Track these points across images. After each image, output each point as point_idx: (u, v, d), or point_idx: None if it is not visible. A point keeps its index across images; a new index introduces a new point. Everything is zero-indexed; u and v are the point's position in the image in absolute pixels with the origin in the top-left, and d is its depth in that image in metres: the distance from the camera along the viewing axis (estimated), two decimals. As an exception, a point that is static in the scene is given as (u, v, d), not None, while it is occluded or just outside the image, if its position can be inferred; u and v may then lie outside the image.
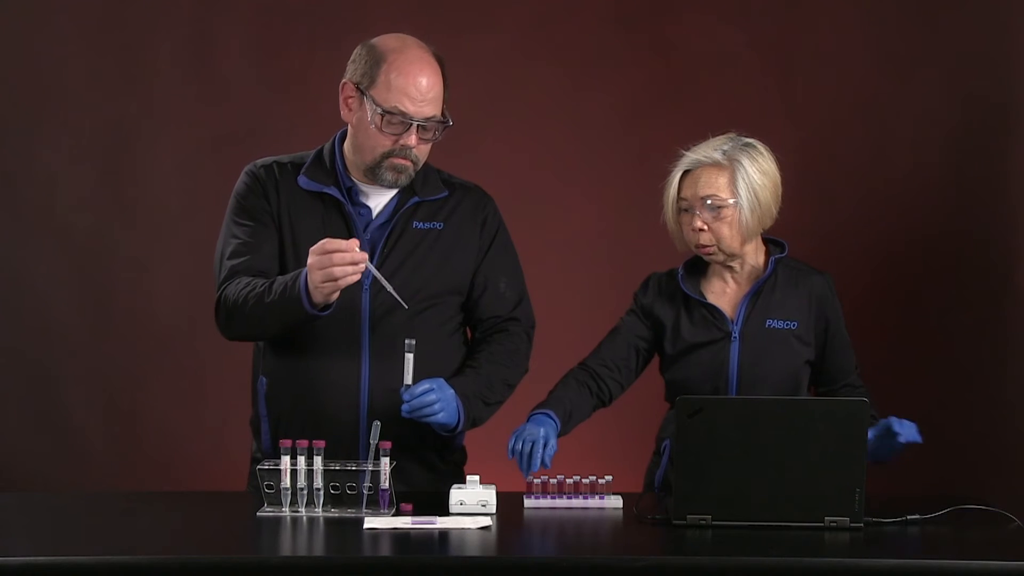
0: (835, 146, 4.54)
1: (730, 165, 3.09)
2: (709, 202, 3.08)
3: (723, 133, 3.16)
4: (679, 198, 3.11)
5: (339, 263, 2.82)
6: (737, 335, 3.13)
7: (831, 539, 2.63)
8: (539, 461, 2.90)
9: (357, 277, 2.85)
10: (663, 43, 4.60)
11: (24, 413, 4.68)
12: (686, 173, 3.11)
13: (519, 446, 2.92)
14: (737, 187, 3.09)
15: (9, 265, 4.67)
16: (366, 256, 2.85)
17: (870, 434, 2.85)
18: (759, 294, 3.15)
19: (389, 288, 2.91)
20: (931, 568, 2.47)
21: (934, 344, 4.48)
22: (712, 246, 3.10)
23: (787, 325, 3.13)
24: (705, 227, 3.08)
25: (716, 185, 3.08)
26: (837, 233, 4.52)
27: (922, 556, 2.53)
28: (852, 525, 2.68)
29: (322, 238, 3.05)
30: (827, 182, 4.53)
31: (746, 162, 3.10)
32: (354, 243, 2.84)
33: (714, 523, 2.69)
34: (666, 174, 3.18)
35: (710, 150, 3.11)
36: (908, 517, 2.75)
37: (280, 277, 2.98)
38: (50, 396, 4.68)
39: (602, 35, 4.61)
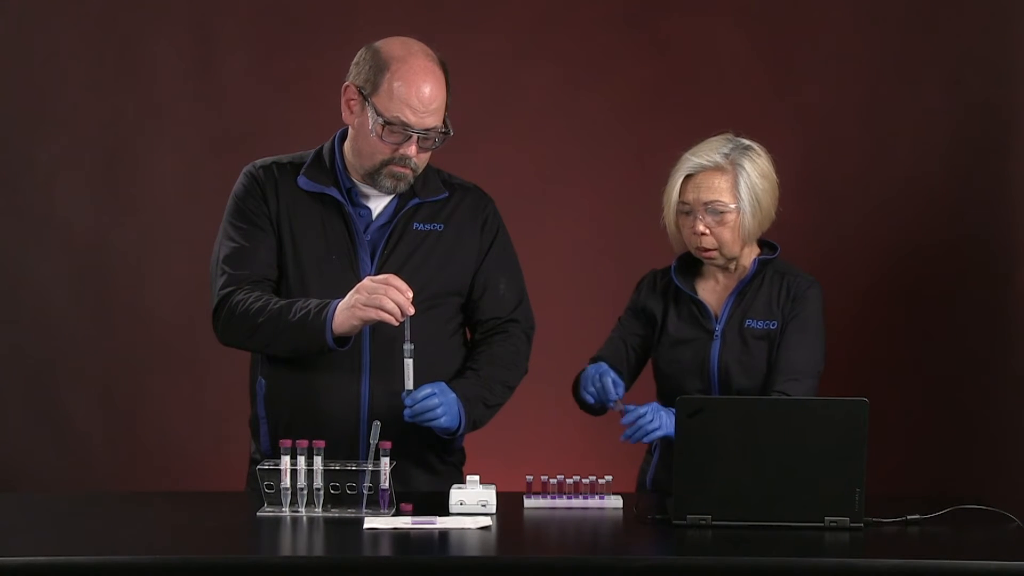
0: (835, 146, 4.54)
1: (732, 169, 3.09)
2: (712, 207, 3.07)
3: (719, 133, 3.16)
4: (680, 201, 3.11)
5: (393, 297, 2.86)
6: (719, 333, 3.13)
7: (831, 539, 2.63)
8: (612, 390, 2.97)
9: (394, 320, 2.88)
10: (663, 43, 4.60)
11: (24, 413, 4.67)
12: (688, 177, 3.11)
13: (592, 387, 2.99)
14: (739, 191, 3.08)
15: (9, 265, 4.67)
16: (412, 311, 2.88)
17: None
18: (743, 294, 3.15)
19: (408, 355, 2.92)
20: (931, 568, 2.47)
21: (935, 344, 4.48)
22: (714, 249, 3.10)
23: (766, 325, 3.13)
24: (707, 231, 3.08)
25: (719, 189, 3.08)
26: (837, 233, 4.52)
27: (922, 556, 2.52)
28: (852, 525, 2.67)
29: (322, 239, 3.07)
30: (827, 182, 4.52)
31: (748, 166, 3.10)
32: (411, 295, 2.88)
33: (714, 523, 2.69)
34: (666, 174, 3.18)
35: (711, 153, 3.10)
36: (908, 517, 2.75)
37: (301, 300, 2.98)
38: (50, 396, 4.68)
39: (602, 35, 4.61)
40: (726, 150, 3.10)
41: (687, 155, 3.13)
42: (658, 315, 3.20)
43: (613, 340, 3.25)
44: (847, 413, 2.68)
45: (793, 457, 2.68)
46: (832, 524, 2.68)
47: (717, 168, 3.09)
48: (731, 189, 3.09)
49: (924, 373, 4.48)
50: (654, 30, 4.60)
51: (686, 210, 3.11)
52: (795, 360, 3.11)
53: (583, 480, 2.88)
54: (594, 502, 2.86)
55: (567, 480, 2.88)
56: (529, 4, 4.63)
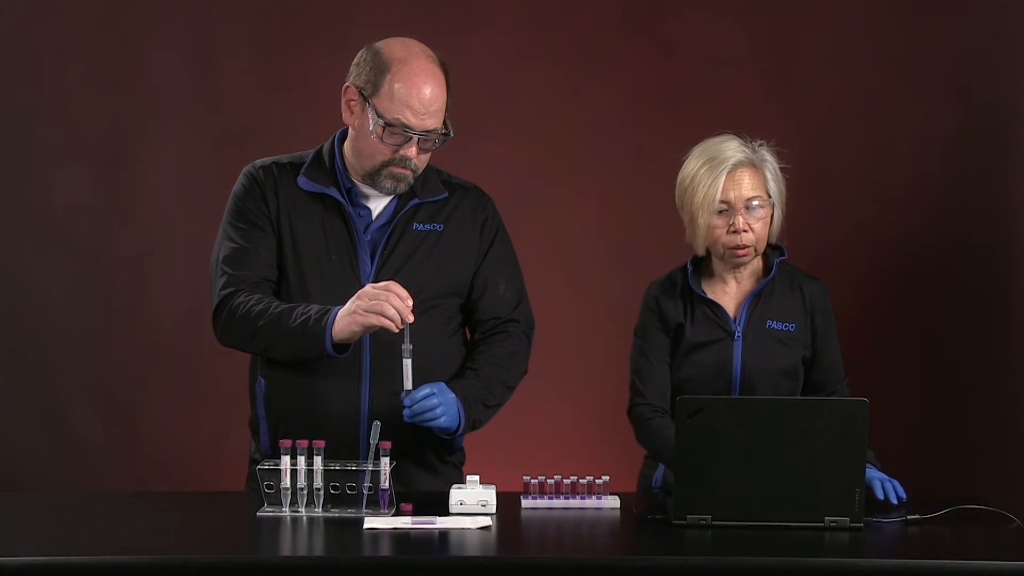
0: (836, 146, 4.54)
1: (760, 163, 3.10)
2: (752, 203, 3.07)
3: (720, 133, 3.15)
4: (720, 201, 3.07)
5: (394, 304, 2.85)
6: (740, 335, 3.13)
7: (831, 539, 2.63)
8: None
9: (394, 327, 2.87)
10: (663, 43, 4.59)
11: (24, 413, 4.67)
12: (727, 174, 3.08)
13: None
14: (769, 185, 3.10)
15: (9, 265, 4.67)
16: (412, 319, 2.88)
17: None
18: (760, 295, 3.15)
19: (407, 355, 2.92)
20: (931, 568, 2.47)
21: (935, 344, 4.48)
22: (750, 247, 3.09)
23: (786, 327, 3.13)
24: (748, 228, 3.07)
25: (756, 185, 3.08)
26: (838, 233, 4.52)
27: (922, 556, 2.52)
28: (852, 525, 2.67)
29: (322, 239, 3.06)
30: (828, 182, 4.52)
31: (769, 157, 3.12)
32: (411, 303, 2.88)
33: (714, 523, 2.69)
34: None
35: (737, 151, 3.08)
36: (908, 517, 2.75)
37: (302, 305, 2.98)
38: (50, 396, 4.68)
39: (602, 35, 4.61)
40: (748, 146, 3.11)
41: (716, 156, 3.08)
42: (683, 324, 3.16)
43: (655, 367, 3.15)
44: (847, 413, 2.68)
45: (793, 457, 2.68)
46: (832, 524, 2.68)
47: (751, 164, 3.09)
48: (764, 184, 3.09)
49: (924, 373, 4.48)
50: (654, 30, 4.60)
51: (722, 209, 3.09)
52: (838, 363, 3.19)
53: (580, 480, 2.88)
54: (591, 502, 2.86)
55: (564, 480, 2.88)
56: (529, 4, 4.63)
